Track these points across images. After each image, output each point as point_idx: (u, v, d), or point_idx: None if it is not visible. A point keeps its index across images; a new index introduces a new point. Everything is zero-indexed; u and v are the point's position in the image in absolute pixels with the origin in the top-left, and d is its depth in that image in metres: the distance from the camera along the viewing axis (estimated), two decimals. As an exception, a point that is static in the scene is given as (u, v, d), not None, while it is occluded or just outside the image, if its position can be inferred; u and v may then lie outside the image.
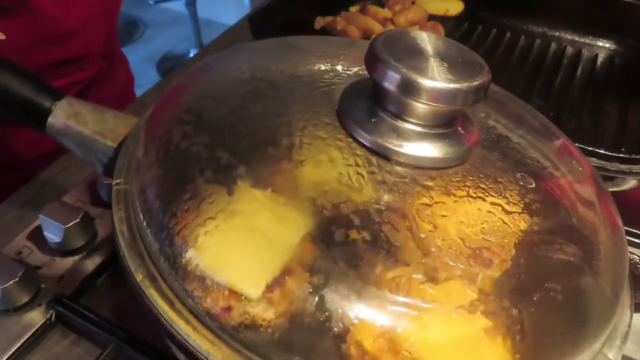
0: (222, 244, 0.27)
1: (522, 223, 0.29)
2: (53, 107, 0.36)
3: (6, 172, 0.62)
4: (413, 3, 0.74)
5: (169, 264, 0.27)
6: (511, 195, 0.30)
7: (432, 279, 0.26)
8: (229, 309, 0.26)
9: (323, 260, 0.26)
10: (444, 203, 0.28)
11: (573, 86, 0.65)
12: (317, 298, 0.25)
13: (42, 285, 0.45)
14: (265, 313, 0.26)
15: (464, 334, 0.26)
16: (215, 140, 0.30)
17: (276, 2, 0.68)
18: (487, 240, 0.28)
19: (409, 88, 0.28)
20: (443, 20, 0.74)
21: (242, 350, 0.26)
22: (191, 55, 2.37)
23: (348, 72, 0.35)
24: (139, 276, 0.28)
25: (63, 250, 0.47)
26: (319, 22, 0.72)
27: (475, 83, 0.28)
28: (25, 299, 0.43)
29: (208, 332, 0.27)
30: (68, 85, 0.65)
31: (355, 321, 0.25)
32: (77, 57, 0.64)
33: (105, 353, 0.40)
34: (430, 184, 0.29)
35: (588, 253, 0.30)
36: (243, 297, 0.26)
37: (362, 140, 0.30)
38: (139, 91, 0.82)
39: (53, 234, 0.47)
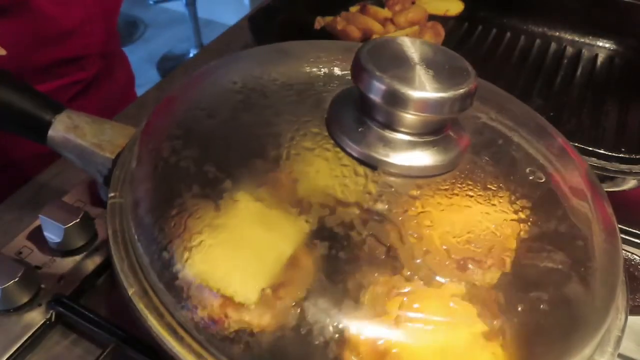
0: (208, 259, 0.27)
1: (510, 230, 0.29)
2: (53, 120, 0.36)
3: (6, 172, 0.62)
4: (413, 3, 0.74)
5: (159, 278, 0.28)
6: (500, 202, 0.30)
7: (415, 291, 0.26)
8: (216, 321, 0.26)
9: (306, 273, 0.26)
10: (430, 212, 0.28)
11: (573, 86, 0.65)
12: (300, 311, 0.25)
13: (42, 285, 0.45)
14: (250, 326, 0.26)
15: (452, 344, 0.26)
16: (203, 154, 0.31)
17: (276, 2, 0.68)
18: (474, 249, 0.27)
19: (394, 99, 0.27)
20: (443, 20, 0.74)
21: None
22: (191, 55, 2.37)
23: (341, 78, 0.35)
24: (130, 290, 0.29)
25: (63, 250, 0.47)
26: (319, 22, 0.72)
27: (461, 91, 0.28)
28: (25, 299, 0.43)
29: (196, 344, 0.27)
30: (68, 85, 0.65)
31: (340, 334, 0.25)
32: (76, 57, 0.64)
33: (105, 353, 0.40)
34: (416, 193, 0.29)
35: (578, 259, 0.30)
36: (231, 310, 0.26)
37: (349, 150, 0.30)
38: (139, 91, 0.82)
39: (53, 234, 0.47)
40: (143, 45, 2.46)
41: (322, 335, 0.25)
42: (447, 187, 0.29)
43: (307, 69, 0.37)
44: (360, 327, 0.25)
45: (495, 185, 0.30)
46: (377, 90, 0.28)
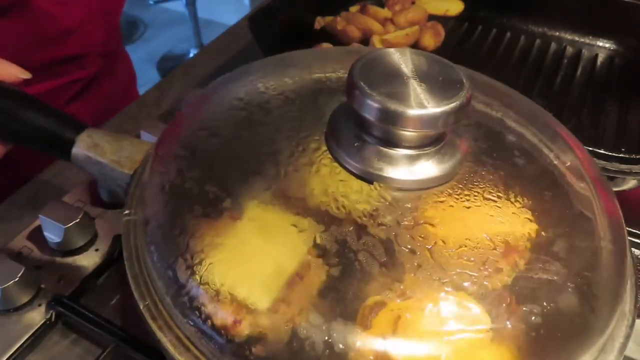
0: (208, 276, 0.28)
1: (511, 240, 0.29)
2: (75, 139, 0.38)
3: (6, 172, 0.62)
4: (413, 3, 0.74)
5: (166, 293, 0.30)
6: (499, 211, 0.29)
7: (409, 306, 0.26)
8: (221, 335, 0.27)
9: (306, 290, 0.27)
10: (425, 225, 0.28)
11: (573, 86, 0.65)
12: (300, 327, 0.26)
13: (42, 285, 0.45)
14: (253, 340, 0.26)
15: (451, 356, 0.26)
16: (206, 174, 0.32)
17: (276, 2, 0.68)
18: (467, 262, 0.27)
19: (386, 117, 0.28)
20: (443, 20, 0.74)
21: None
22: (191, 55, 2.37)
23: (342, 89, 0.35)
24: (142, 304, 0.31)
25: (63, 250, 0.47)
26: (319, 22, 0.72)
27: (454, 105, 0.28)
28: (25, 299, 0.43)
29: (202, 357, 0.28)
30: (69, 84, 0.65)
31: (339, 351, 0.26)
32: (77, 56, 0.65)
33: (105, 353, 0.40)
34: (411, 206, 0.29)
35: (580, 269, 0.29)
36: (235, 324, 0.27)
37: (346, 166, 0.30)
38: (139, 91, 0.82)
39: (53, 234, 0.47)
40: (143, 45, 2.46)
41: (323, 352, 0.25)
42: (443, 199, 0.29)
43: (312, 81, 0.37)
44: (358, 342, 0.26)
45: (495, 194, 0.30)
46: (369, 108, 0.28)
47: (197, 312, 0.28)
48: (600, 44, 0.71)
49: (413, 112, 0.27)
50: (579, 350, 0.28)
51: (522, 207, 0.30)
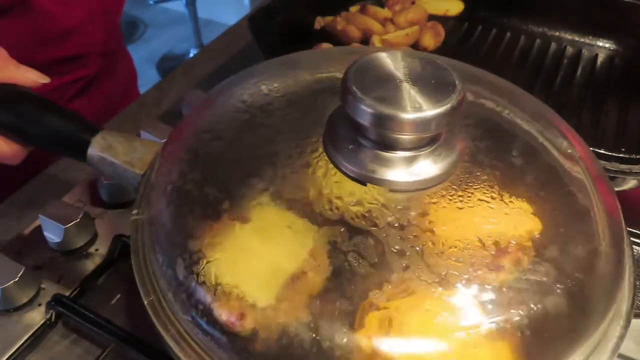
0: (206, 276, 0.29)
1: (502, 241, 0.29)
2: (90, 141, 0.40)
3: (6, 171, 0.62)
4: (413, 3, 0.74)
5: (169, 291, 0.31)
6: (491, 213, 0.29)
7: (399, 307, 0.26)
8: (219, 332, 0.28)
9: (289, 290, 0.27)
10: (416, 226, 0.28)
11: (573, 86, 0.65)
12: (298, 326, 0.26)
13: (42, 285, 0.45)
14: (253, 339, 0.27)
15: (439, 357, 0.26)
16: (206, 176, 0.33)
17: (276, 2, 0.68)
18: (457, 262, 0.27)
19: (379, 121, 0.28)
20: (443, 20, 0.74)
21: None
22: (191, 55, 2.37)
23: None
24: (146, 300, 0.32)
25: (63, 250, 0.47)
26: (319, 22, 0.72)
27: (446, 107, 0.28)
28: (25, 299, 0.43)
29: (203, 353, 0.29)
30: (69, 83, 0.65)
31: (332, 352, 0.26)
32: (77, 56, 0.65)
33: (105, 353, 0.40)
34: (403, 207, 0.29)
35: (574, 266, 0.29)
36: (232, 324, 0.28)
37: (341, 167, 0.30)
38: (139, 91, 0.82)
39: (53, 234, 0.47)
40: (143, 45, 2.46)
41: (313, 350, 0.26)
42: (436, 200, 0.29)
43: (315, 82, 0.38)
44: (350, 342, 0.26)
45: (489, 195, 0.30)
46: (362, 113, 0.28)
47: (195, 309, 0.29)
48: (600, 44, 0.71)
49: (405, 115, 0.27)
50: (569, 350, 0.28)
51: (517, 207, 0.30)
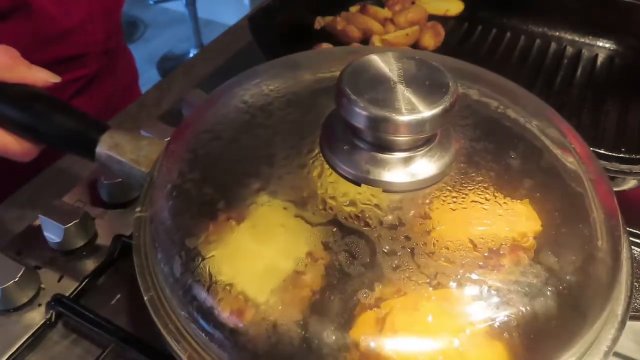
0: (202, 275, 0.29)
1: (494, 242, 0.29)
2: (98, 139, 0.40)
3: (6, 171, 0.62)
4: (413, 3, 0.74)
5: (167, 288, 0.31)
6: (484, 214, 0.29)
7: (391, 307, 0.26)
8: (215, 328, 0.28)
9: (282, 289, 0.28)
10: (409, 226, 0.28)
11: (573, 86, 0.65)
12: (296, 327, 0.27)
13: (42, 285, 0.45)
14: (249, 337, 0.27)
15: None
16: (204, 176, 0.33)
17: (276, 2, 0.68)
18: (448, 264, 0.27)
19: (372, 123, 0.28)
20: (443, 20, 0.74)
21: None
22: (191, 55, 2.37)
23: None
24: (146, 296, 0.32)
25: (63, 250, 0.47)
26: (319, 22, 0.72)
27: (439, 109, 0.28)
28: (25, 299, 0.43)
29: (200, 349, 0.29)
30: (69, 82, 0.65)
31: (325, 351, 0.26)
32: (77, 55, 0.65)
33: (105, 353, 0.40)
34: (396, 208, 0.29)
35: (568, 268, 0.29)
36: (228, 321, 0.28)
37: (337, 168, 0.30)
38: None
39: (53, 234, 0.47)
40: (143, 45, 2.46)
41: (304, 347, 0.26)
42: (428, 201, 0.29)
43: (316, 82, 0.38)
44: (341, 341, 0.26)
45: (483, 196, 0.30)
46: (356, 115, 0.28)
47: (191, 306, 0.29)
48: (600, 44, 0.71)
49: (399, 117, 0.28)
50: (561, 351, 0.28)
51: (511, 208, 0.30)
